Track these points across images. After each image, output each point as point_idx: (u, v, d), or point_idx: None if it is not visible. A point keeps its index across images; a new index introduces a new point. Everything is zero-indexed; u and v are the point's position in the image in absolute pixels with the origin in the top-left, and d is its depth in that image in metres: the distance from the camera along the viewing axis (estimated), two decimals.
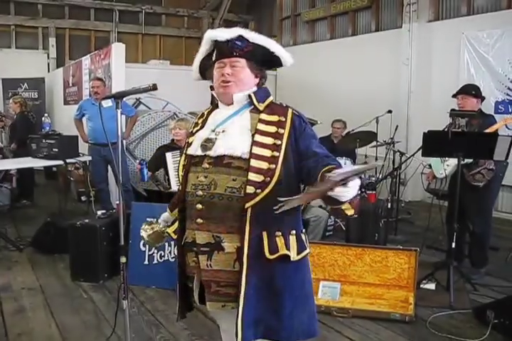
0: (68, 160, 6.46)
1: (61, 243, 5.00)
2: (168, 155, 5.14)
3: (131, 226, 4.43)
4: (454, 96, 4.73)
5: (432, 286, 4.36)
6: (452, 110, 4.60)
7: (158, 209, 4.34)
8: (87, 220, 4.70)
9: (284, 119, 2.05)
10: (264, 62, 2.15)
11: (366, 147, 6.90)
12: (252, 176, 1.95)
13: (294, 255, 2.03)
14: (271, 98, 2.15)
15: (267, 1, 13.78)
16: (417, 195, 8.33)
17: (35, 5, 12.87)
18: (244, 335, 1.95)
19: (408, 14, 8.52)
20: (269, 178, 1.95)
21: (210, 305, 2.10)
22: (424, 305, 4.00)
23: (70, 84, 9.76)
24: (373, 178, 6.93)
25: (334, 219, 6.23)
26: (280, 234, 2.01)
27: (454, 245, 4.30)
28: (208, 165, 2.04)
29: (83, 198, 7.67)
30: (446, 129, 4.67)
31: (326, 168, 1.83)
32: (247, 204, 1.94)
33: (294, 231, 2.07)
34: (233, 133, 2.05)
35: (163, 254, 4.44)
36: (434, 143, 4.36)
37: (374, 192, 5.61)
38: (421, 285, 4.31)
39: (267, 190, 1.94)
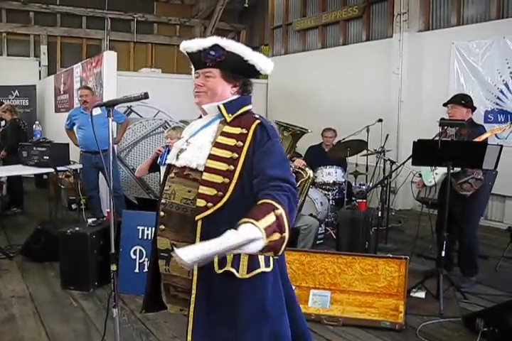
0: (59, 168, 6.45)
1: (51, 251, 4.98)
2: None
3: (121, 234, 4.43)
4: (445, 105, 4.77)
5: (422, 294, 4.38)
6: (442, 119, 4.63)
7: (148, 217, 4.40)
8: (77, 228, 4.67)
9: (246, 132, 1.97)
10: (241, 70, 2.05)
11: (357, 156, 6.93)
12: (204, 189, 1.94)
13: (242, 273, 1.95)
14: (246, 108, 2.08)
15: (259, 10, 13.86)
16: (407, 203, 8.35)
17: (27, 12, 12.91)
18: None
19: (399, 24, 8.58)
20: (221, 193, 1.92)
21: (169, 307, 2.21)
22: (414, 314, 4.01)
23: (61, 92, 9.74)
24: (364, 187, 6.97)
25: (325, 228, 6.25)
26: None
27: (443, 253, 4.33)
28: (173, 175, 2.08)
29: (74, 206, 7.64)
30: (436, 138, 4.70)
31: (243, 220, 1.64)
32: (197, 217, 1.94)
33: None
34: (196, 145, 2.05)
35: None
36: (424, 152, 4.39)
37: (364, 200, 5.62)
38: (411, 294, 4.32)
39: (219, 204, 1.92)
